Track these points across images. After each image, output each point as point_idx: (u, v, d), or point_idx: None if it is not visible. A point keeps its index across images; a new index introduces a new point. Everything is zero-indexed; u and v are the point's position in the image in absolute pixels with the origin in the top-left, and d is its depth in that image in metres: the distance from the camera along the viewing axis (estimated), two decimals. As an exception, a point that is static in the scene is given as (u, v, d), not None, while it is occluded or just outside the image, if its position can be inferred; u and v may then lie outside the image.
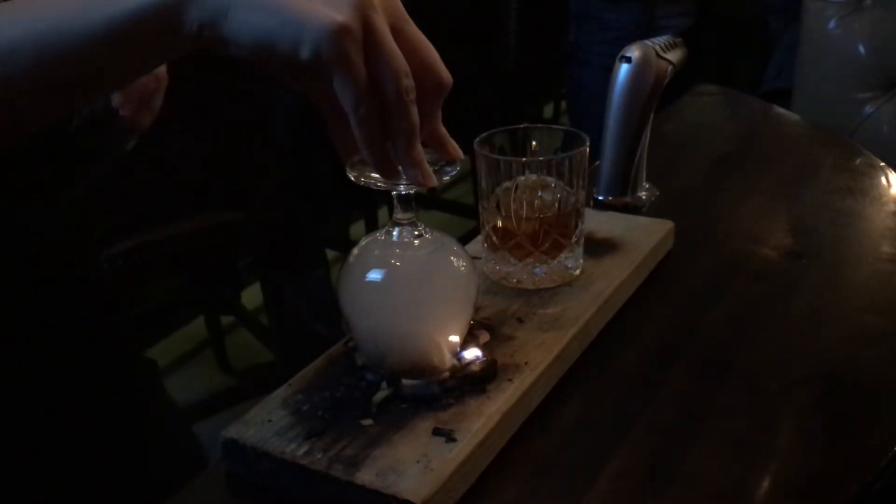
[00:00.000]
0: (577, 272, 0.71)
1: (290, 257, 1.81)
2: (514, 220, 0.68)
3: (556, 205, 0.68)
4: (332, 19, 0.43)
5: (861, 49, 1.39)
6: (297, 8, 0.44)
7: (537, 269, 0.69)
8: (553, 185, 0.68)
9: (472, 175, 1.91)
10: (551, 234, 0.68)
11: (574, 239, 0.70)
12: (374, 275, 0.55)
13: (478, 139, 0.68)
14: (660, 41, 0.80)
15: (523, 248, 0.69)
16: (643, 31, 1.62)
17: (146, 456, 0.74)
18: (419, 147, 0.49)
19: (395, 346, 0.57)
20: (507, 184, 0.68)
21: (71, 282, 0.70)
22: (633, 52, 0.79)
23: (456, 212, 2.51)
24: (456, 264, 0.58)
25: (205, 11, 0.45)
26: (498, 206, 0.69)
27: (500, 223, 0.69)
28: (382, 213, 2.43)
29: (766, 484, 0.54)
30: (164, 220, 1.44)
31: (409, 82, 0.46)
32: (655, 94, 0.82)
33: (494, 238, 0.70)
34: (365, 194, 2.33)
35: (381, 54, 0.45)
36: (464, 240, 0.71)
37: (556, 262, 0.69)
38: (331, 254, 2.28)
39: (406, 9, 0.49)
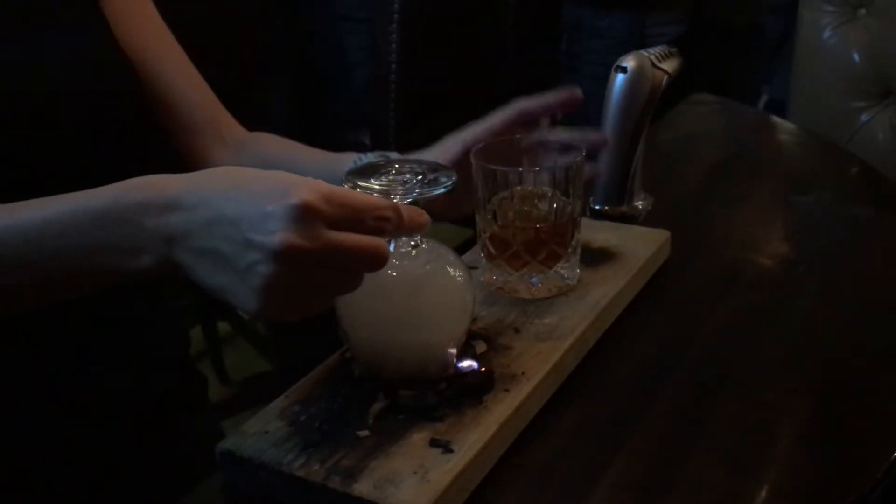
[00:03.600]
0: (574, 282, 0.71)
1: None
2: (510, 230, 0.68)
3: (553, 215, 0.68)
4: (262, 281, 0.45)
5: (856, 58, 1.39)
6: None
7: (534, 279, 0.69)
8: (549, 194, 0.68)
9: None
10: (548, 243, 0.68)
11: (570, 249, 0.70)
12: (370, 285, 0.55)
13: (475, 149, 0.69)
14: (655, 51, 0.81)
15: (520, 258, 0.68)
16: (635, 40, 1.62)
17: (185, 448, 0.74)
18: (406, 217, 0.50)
19: (392, 355, 0.57)
20: (503, 193, 0.68)
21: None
22: (629, 62, 0.79)
23: (454, 220, 2.51)
24: (452, 274, 0.58)
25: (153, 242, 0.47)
26: (494, 216, 0.69)
27: (496, 232, 0.69)
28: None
29: (763, 492, 0.54)
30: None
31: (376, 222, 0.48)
32: (651, 104, 0.82)
33: (491, 248, 0.70)
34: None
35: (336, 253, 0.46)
36: (461, 249, 0.71)
37: (552, 272, 0.69)
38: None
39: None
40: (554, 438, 0.58)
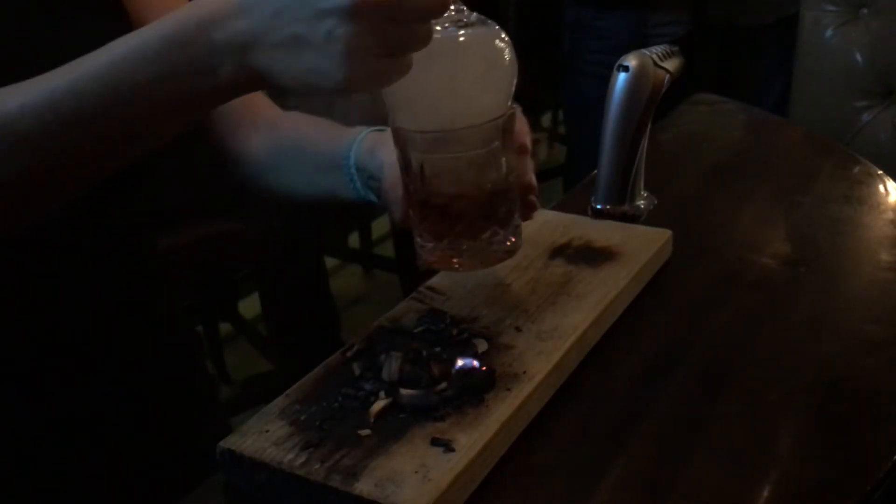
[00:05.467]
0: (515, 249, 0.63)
1: (288, 266, 1.81)
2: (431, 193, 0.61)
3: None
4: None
5: (858, 57, 1.39)
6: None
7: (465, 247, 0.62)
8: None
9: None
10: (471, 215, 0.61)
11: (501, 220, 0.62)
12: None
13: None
14: (657, 50, 0.81)
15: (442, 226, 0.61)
16: (637, 40, 1.62)
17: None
18: None
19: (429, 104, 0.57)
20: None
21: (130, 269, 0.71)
22: (631, 61, 0.79)
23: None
24: (497, 39, 0.58)
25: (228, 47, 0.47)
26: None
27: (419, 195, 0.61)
28: (377, 224, 2.43)
29: (765, 493, 0.54)
30: (162, 230, 1.44)
31: None
32: (653, 103, 0.82)
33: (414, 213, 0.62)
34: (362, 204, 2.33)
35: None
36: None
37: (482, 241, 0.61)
38: (330, 262, 2.28)
39: None
40: (555, 438, 0.58)
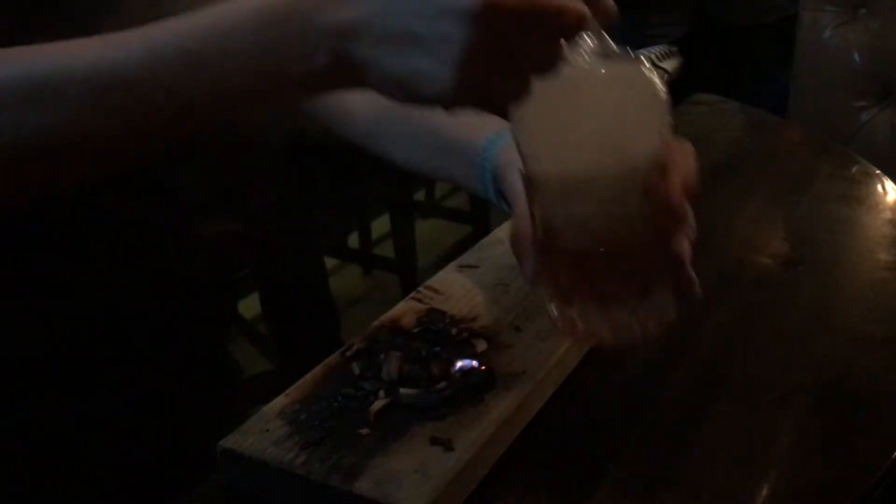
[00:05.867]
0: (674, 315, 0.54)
1: (288, 266, 1.81)
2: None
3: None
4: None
5: (856, 58, 1.39)
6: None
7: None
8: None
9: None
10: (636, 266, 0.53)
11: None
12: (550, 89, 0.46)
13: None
14: (655, 50, 0.81)
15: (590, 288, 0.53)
16: (636, 40, 1.62)
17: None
18: None
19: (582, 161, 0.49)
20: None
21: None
22: (629, 61, 0.80)
23: (454, 218, 2.52)
24: (645, 75, 0.50)
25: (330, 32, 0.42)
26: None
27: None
28: (377, 224, 2.43)
29: (764, 492, 0.54)
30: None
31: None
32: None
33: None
34: (361, 203, 2.33)
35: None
36: (459, 247, 0.71)
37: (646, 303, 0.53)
38: (330, 262, 2.28)
39: None
40: (554, 437, 0.58)
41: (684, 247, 0.54)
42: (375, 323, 0.67)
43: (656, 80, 0.50)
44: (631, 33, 1.68)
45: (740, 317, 0.73)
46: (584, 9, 0.43)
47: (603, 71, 0.49)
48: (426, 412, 0.56)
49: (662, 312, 0.53)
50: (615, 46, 0.49)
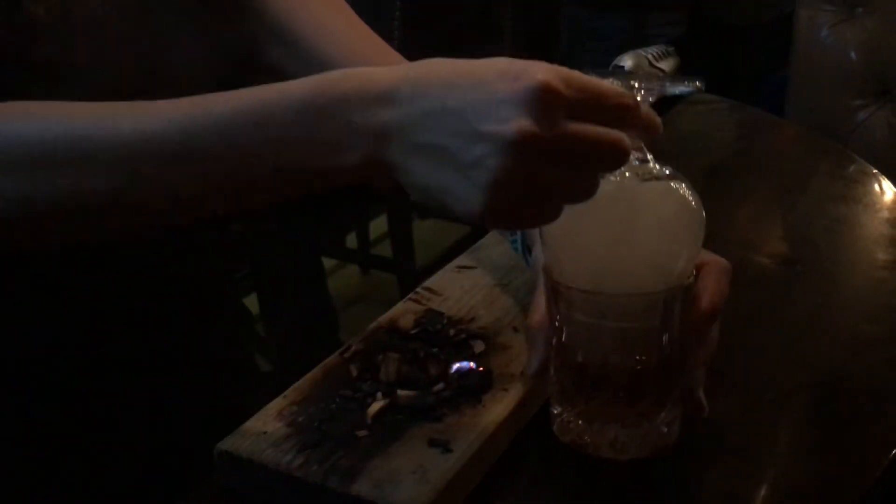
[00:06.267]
0: (674, 438, 0.54)
1: (286, 267, 1.81)
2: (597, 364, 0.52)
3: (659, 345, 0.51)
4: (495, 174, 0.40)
5: (853, 56, 1.39)
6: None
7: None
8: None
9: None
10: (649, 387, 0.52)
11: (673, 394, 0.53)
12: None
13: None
14: (652, 50, 0.81)
15: (608, 407, 0.52)
16: (634, 40, 1.62)
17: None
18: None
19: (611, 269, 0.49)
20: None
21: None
22: (626, 61, 0.80)
23: (452, 219, 2.51)
24: (681, 192, 0.50)
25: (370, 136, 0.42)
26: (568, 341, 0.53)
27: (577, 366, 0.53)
28: (375, 224, 2.43)
29: (762, 491, 0.54)
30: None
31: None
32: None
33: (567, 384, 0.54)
34: (360, 205, 2.33)
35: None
36: (457, 247, 0.71)
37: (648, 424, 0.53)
38: (328, 262, 2.28)
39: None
40: (553, 438, 0.58)
41: (699, 373, 0.53)
42: (373, 324, 0.67)
43: (691, 196, 0.50)
44: (629, 33, 1.69)
45: (738, 316, 0.73)
46: (625, 143, 0.42)
47: (639, 189, 0.48)
48: (424, 413, 0.56)
49: (664, 433, 0.53)
50: (652, 160, 0.49)
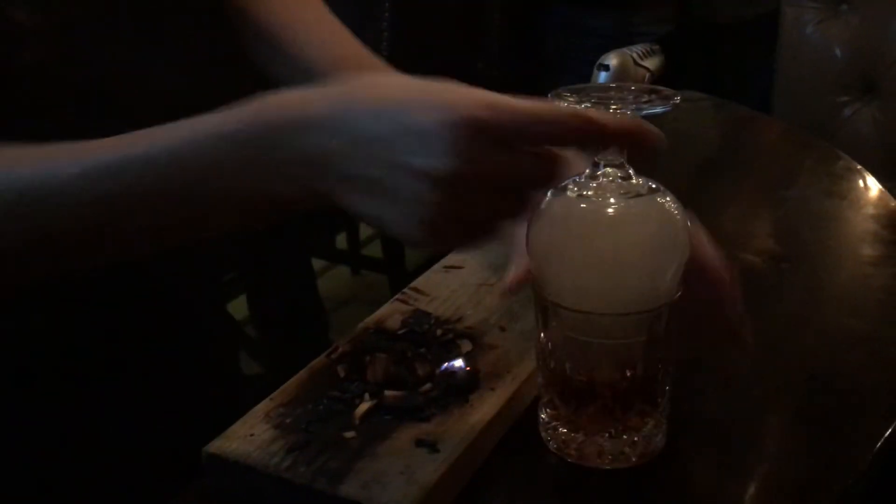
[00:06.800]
0: (662, 444, 0.55)
1: (276, 269, 1.80)
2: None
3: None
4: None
5: (838, 53, 1.40)
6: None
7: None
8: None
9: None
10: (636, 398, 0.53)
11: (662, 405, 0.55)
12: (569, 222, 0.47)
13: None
14: (637, 49, 0.81)
15: (600, 416, 0.53)
16: (622, 38, 1.63)
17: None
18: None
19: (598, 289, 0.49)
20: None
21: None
22: (611, 59, 0.80)
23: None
24: (665, 208, 0.50)
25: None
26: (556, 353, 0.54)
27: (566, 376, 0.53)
28: (365, 225, 2.43)
29: (750, 488, 0.54)
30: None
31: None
32: (634, 102, 0.83)
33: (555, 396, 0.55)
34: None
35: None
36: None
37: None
38: (318, 264, 2.28)
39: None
40: (541, 438, 0.58)
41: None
42: (360, 325, 0.67)
43: (676, 210, 0.50)
44: (617, 31, 1.69)
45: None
46: (553, 168, 0.43)
47: (623, 208, 0.49)
48: (412, 414, 0.56)
49: (650, 443, 0.54)
50: (636, 176, 0.49)
